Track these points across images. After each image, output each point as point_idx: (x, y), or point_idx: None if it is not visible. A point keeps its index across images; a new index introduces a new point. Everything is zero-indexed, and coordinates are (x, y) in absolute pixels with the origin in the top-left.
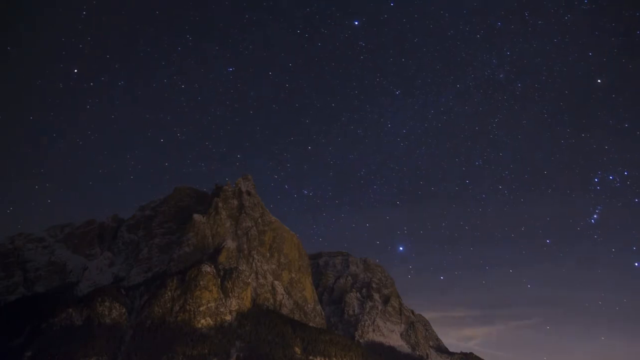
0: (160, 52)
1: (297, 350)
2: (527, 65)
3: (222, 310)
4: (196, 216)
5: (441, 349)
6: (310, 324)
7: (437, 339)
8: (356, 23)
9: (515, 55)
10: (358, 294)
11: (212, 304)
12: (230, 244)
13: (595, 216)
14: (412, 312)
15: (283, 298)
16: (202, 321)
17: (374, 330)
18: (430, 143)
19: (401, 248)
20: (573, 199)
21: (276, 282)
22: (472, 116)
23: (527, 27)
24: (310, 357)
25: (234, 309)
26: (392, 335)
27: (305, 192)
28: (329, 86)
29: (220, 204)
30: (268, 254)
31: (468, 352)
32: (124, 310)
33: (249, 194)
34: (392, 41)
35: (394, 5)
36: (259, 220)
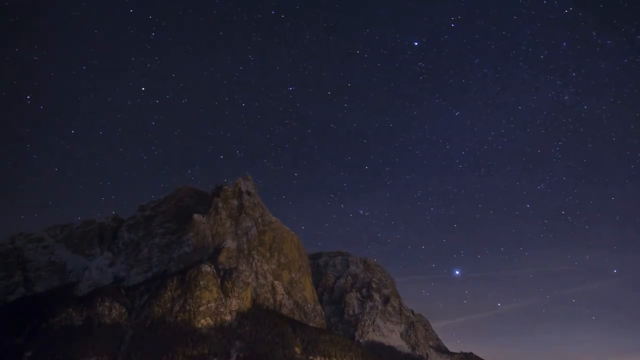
0: (223, 71)
1: (297, 350)
2: (594, 86)
3: (222, 310)
4: (196, 216)
5: (441, 349)
6: (310, 324)
7: (437, 339)
8: (416, 44)
9: (581, 76)
10: (358, 294)
11: (212, 304)
12: (230, 244)
13: None
14: (412, 312)
15: (283, 298)
16: (202, 321)
17: (374, 330)
18: (490, 165)
19: (457, 272)
20: None
21: (276, 282)
22: (534, 139)
23: (594, 47)
24: (310, 357)
25: (234, 309)
26: (392, 335)
27: (361, 211)
28: (388, 106)
29: (220, 204)
30: (268, 254)
31: (468, 352)
32: (124, 310)
33: (249, 193)
34: (452, 62)
35: (454, 26)
36: (259, 220)
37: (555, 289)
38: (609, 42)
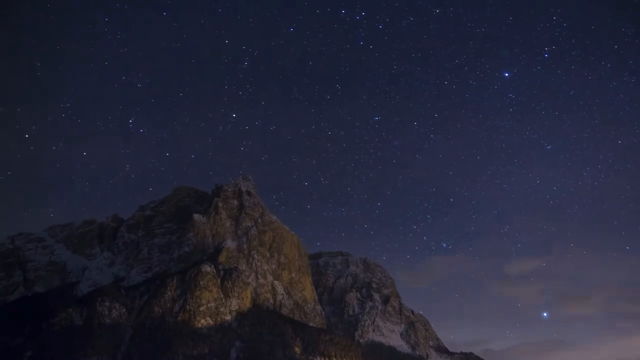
0: (311, 100)
1: (297, 350)
2: None
3: (222, 310)
4: (196, 216)
5: (441, 349)
6: (310, 324)
7: (437, 339)
8: (507, 75)
9: None
10: (358, 294)
11: (212, 304)
12: (230, 244)
13: None
14: (412, 312)
15: (283, 298)
16: (202, 321)
17: (374, 330)
18: (584, 203)
19: (545, 314)
20: None
21: (276, 282)
22: (636, 176)
23: None
24: (310, 357)
25: (234, 309)
26: (392, 335)
27: (445, 245)
28: (475, 138)
29: (220, 204)
30: (268, 254)
31: (468, 352)
32: (124, 310)
33: (249, 194)
34: (545, 93)
35: (548, 56)
36: (259, 220)
37: None
38: None
